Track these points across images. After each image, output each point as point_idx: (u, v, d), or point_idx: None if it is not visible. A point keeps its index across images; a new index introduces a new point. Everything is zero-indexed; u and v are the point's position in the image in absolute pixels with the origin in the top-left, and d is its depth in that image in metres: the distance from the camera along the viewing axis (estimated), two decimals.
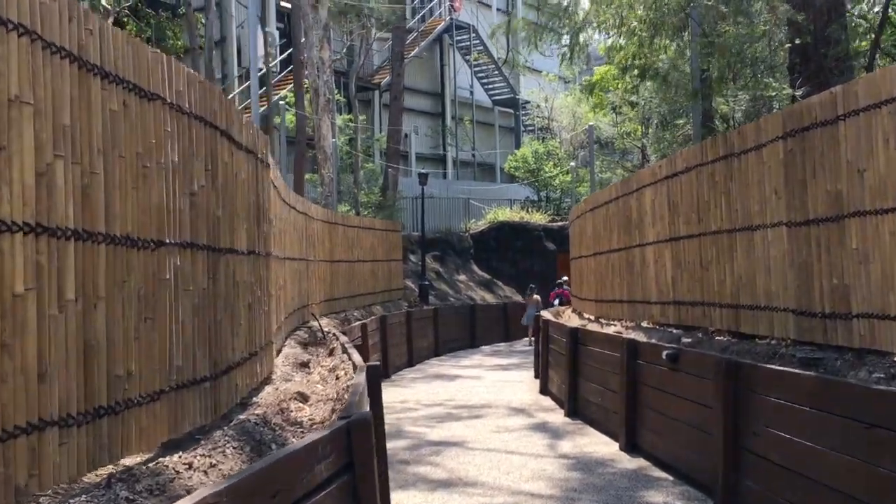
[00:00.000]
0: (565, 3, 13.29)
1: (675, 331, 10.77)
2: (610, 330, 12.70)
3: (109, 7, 18.16)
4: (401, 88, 25.13)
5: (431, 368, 19.07)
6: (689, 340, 9.73)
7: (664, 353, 8.57)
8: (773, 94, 10.00)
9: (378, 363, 7.15)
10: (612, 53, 12.72)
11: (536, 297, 23.30)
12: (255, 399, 6.18)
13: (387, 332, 17.49)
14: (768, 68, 10.42)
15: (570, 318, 17.73)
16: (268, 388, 6.90)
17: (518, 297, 28.34)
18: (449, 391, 14.96)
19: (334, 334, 12.54)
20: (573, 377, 12.04)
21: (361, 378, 6.15)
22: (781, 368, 6.54)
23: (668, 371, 8.49)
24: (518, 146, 35.05)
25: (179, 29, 22.18)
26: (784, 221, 7.52)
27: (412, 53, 31.71)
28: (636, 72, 12.23)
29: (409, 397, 14.28)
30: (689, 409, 7.90)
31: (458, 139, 34.79)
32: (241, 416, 5.26)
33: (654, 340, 10.66)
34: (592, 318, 15.31)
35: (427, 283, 24.46)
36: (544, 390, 14.56)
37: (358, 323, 15.65)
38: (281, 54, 27.42)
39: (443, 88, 35.24)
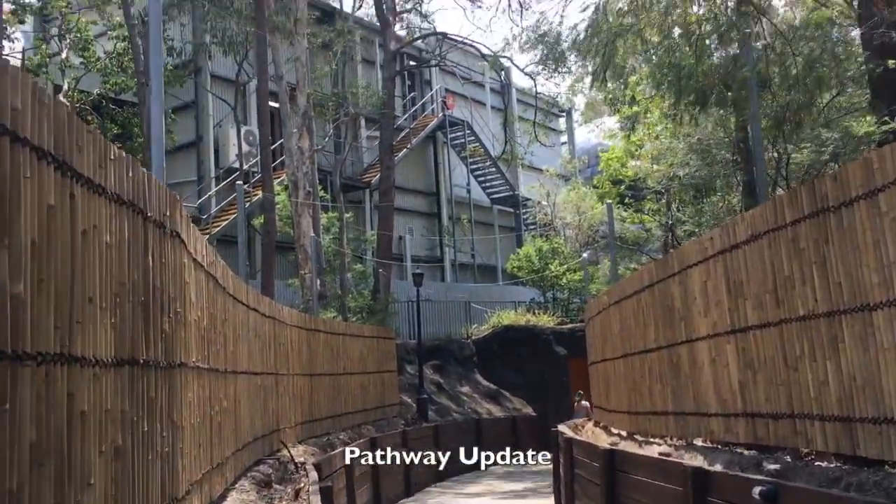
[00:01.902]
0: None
1: (747, 452, 8.20)
2: (654, 451, 10.09)
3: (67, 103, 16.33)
4: (391, 182, 23.19)
5: (433, 499, 16.23)
6: (776, 467, 7.17)
7: (756, 490, 6.00)
8: (861, 131, 7.85)
9: None
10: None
11: (585, 403, 20.58)
12: None
13: (378, 457, 14.76)
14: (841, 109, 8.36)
15: (595, 434, 15.05)
16: None
17: (529, 409, 25.54)
18: None
19: (310, 466, 9.91)
20: None
21: None
22: None
23: None
24: (520, 245, 32.94)
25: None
26: None
27: (403, 151, 30.01)
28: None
29: None
30: None
31: (455, 240, 32.71)
32: None
33: (719, 467, 8.09)
34: (624, 433, 12.68)
35: (426, 396, 21.78)
36: None
37: (343, 448, 12.98)
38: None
39: (438, 187, 33.44)
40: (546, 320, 27.31)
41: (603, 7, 12.64)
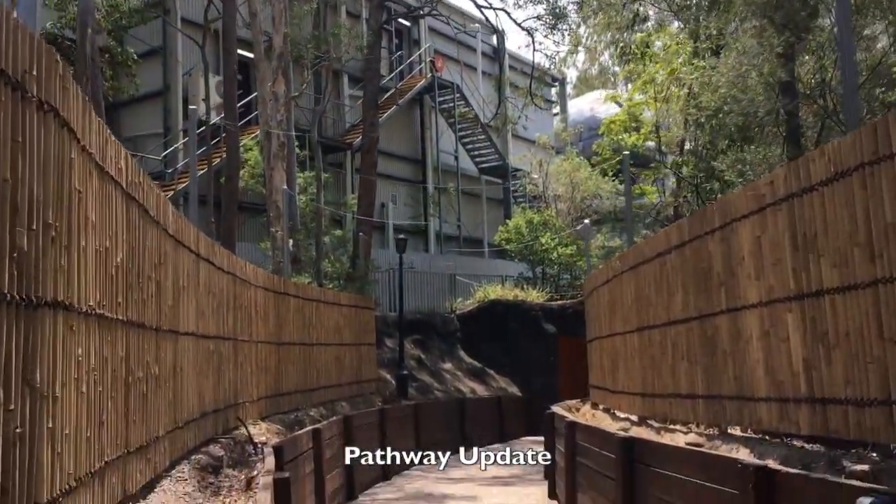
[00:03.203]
0: None
1: (809, 447, 6.63)
2: (678, 440, 8.51)
3: None
4: (375, 139, 21.37)
5: (412, 483, 14.62)
6: (863, 468, 5.60)
7: (863, 501, 4.40)
8: None
9: None
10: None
11: None
12: None
13: (353, 437, 13.13)
14: None
15: (596, 418, 13.50)
16: None
17: (514, 389, 24.00)
18: None
19: (271, 448, 8.22)
20: None
21: None
22: None
23: None
24: (508, 217, 31.24)
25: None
26: None
27: (389, 112, 28.17)
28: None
29: None
30: None
31: (441, 210, 30.97)
32: None
33: (772, 463, 6.49)
34: (634, 418, 11.12)
35: (406, 373, 20.14)
36: None
37: (311, 427, 11.28)
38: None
39: (424, 154, 31.61)
40: (535, 296, 25.72)
41: None
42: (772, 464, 6.06)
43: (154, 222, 6.02)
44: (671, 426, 9.33)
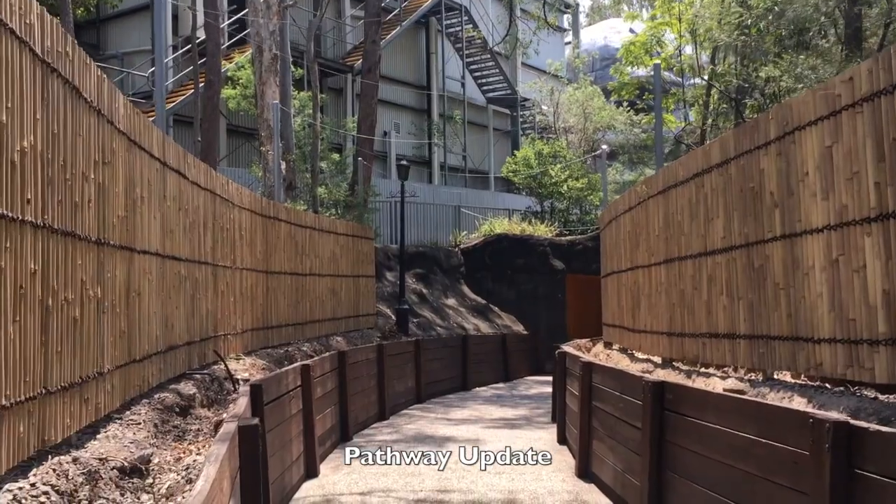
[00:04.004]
0: None
1: (884, 397, 5.56)
2: (716, 385, 7.46)
3: None
4: (377, 57, 19.89)
5: (411, 424, 13.69)
6: None
7: None
8: None
9: None
10: None
11: None
12: None
13: (347, 374, 12.13)
14: None
15: (611, 358, 12.48)
16: None
17: (519, 327, 23.06)
18: (436, 474, 9.59)
19: (247, 388, 7.14)
20: (657, 470, 6.76)
21: None
22: None
23: None
24: (516, 149, 29.87)
25: None
26: None
27: (393, 34, 26.61)
28: None
29: (373, 485, 8.93)
30: None
31: (446, 140, 29.59)
32: None
33: (837, 415, 5.43)
34: (657, 359, 10.08)
35: (407, 307, 19.13)
36: (585, 472, 9.30)
37: (300, 364, 10.25)
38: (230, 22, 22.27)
39: (429, 80, 30.08)
40: (543, 231, 24.57)
41: None
42: (841, 417, 5.00)
43: (93, 110, 4.84)
44: (703, 369, 8.28)
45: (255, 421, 4.54)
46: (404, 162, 18.34)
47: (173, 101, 19.71)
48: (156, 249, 6.61)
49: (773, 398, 6.41)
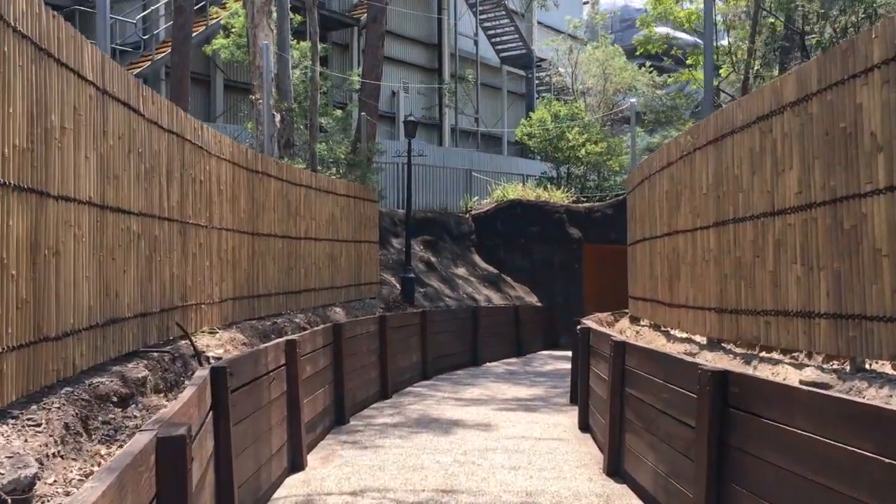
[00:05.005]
0: None
1: None
2: (790, 376, 6.05)
3: None
4: (384, 4, 18.30)
5: (416, 405, 12.37)
6: None
7: None
8: None
9: None
10: None
11: None
12: None
13: (343, 349, 10.78)
14: None
15: (642, 336, 11.09)
16: None
17: (533, 298, 21.67)
18: (442, 467, 8.25)
19: (205, 374, 5.73)
20: (716, 481, 5.37)
21: None
22: None
23: None
24: (532, 110, 28.30)
25: None
26: None
27: None
28: None
29: (367, 482, 7.60)
30: None
31: (457, 101, 28.01)
32: None
33: None
34: (701, 339, 8.66)
35: (413, 276, 17.75)
36: (616, 469, 7.95)
37: (284, 339, 8.87)
38: None
39: (440, 38, 28.44)
40: (559, 197, 23.09)
41: None
42: None
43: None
44: (765, 354, 6.87)
45: (182, 431, 3.17)
46: (412, 117, 16.82)
47: (163, 52, 18.26)
48: (87, 197, 5.22)
49: (875, 395, 5.01)
